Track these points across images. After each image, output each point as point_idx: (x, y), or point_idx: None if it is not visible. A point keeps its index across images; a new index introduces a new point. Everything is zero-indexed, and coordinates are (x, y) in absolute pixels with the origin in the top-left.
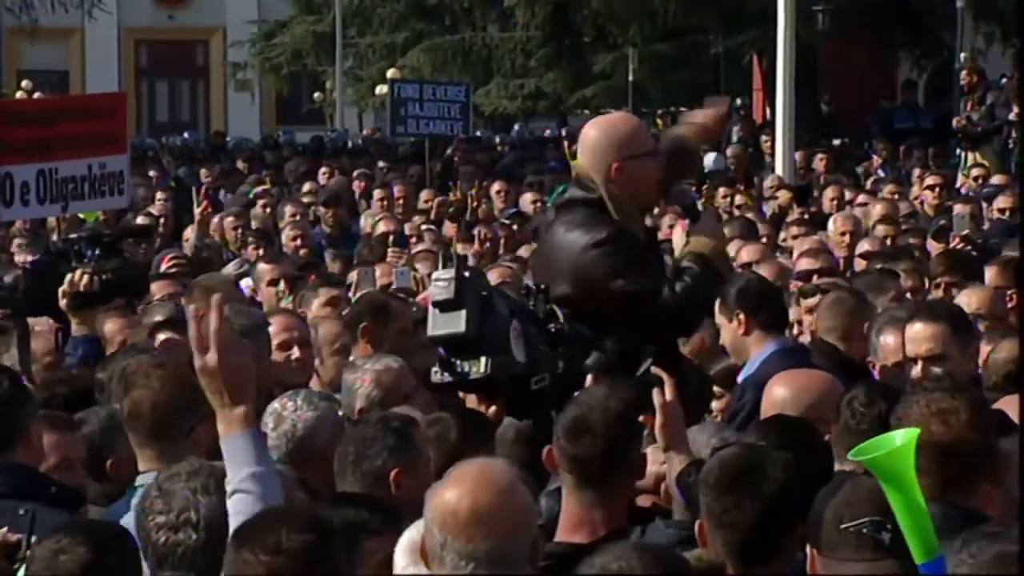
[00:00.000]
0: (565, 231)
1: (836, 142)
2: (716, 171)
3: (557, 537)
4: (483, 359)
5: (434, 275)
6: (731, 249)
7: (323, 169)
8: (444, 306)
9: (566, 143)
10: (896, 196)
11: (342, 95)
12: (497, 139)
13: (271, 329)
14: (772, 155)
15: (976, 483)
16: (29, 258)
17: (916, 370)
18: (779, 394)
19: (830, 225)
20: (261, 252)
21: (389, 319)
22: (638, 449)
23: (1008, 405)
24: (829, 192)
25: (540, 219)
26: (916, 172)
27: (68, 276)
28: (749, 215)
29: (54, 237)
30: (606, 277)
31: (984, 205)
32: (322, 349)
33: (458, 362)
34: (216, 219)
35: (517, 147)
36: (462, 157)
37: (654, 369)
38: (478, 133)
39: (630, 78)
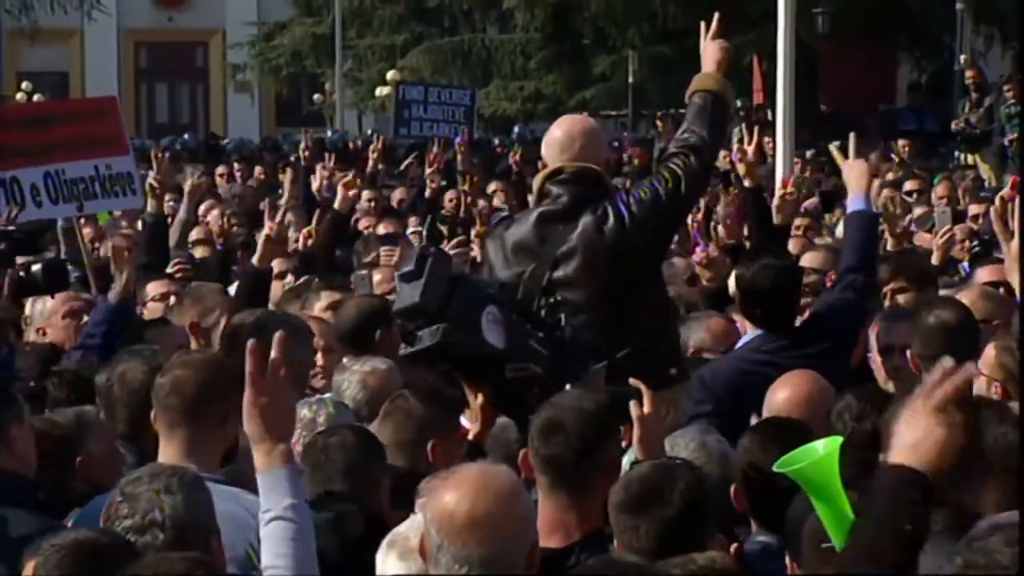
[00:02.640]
0: (612, 217)
1: (836, 144)
2: None
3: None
4: (435, 328)
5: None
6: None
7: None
8: (405, 277)
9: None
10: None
11: (342, 97)
12: (496, 141)
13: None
14: (773, 156)
15: None
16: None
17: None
18: (781, 397)
19: (837, 230)
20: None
21: (392, 325)
22: (613, 451)
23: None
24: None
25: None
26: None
27: None
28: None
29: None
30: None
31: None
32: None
33: (418, 333)
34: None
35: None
36: (462, 159)
37: (632, 381)
38: (477, 134)
39: (630, 80)
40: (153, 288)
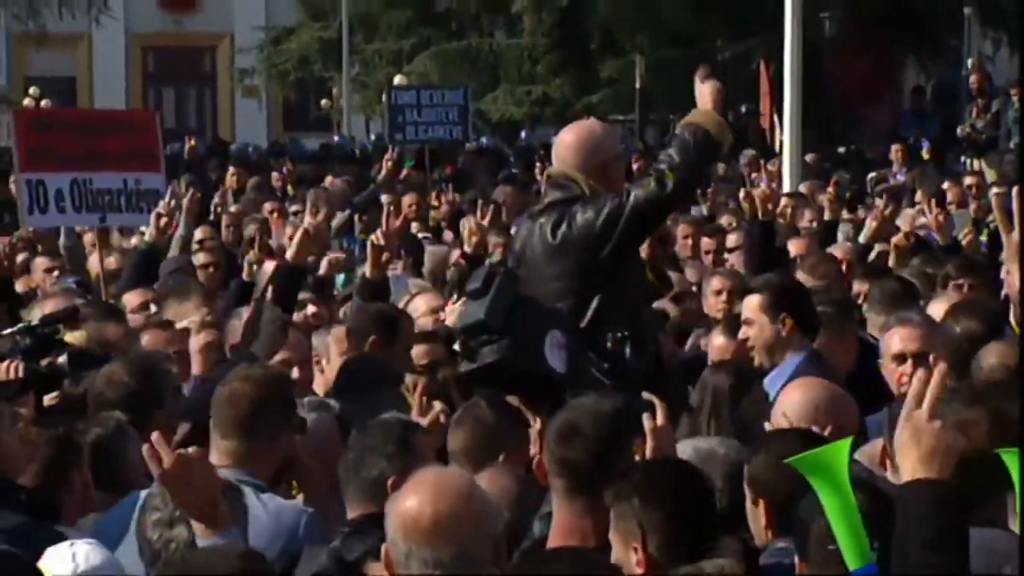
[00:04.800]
0: (571, 221)
1: (841, 149)
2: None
3: (548, 547)
4: (498, 345)
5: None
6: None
7: (328, 177)
8: (473, 295)
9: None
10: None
11: (349, 101)
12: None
13: None
14: (780, 155)
15: (995, 493)
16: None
17: None
18: (790, 402)
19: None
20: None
21: (398, 336)
22: (629, 455)
23: None
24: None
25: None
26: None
27: None
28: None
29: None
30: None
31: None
32: (331, 348)
33: (479, 350)
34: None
35: (524, 154)
36: (471, 164)
37: (645, 395)
38: (483, 140)
39: (637, 84)
40: (131, 299)
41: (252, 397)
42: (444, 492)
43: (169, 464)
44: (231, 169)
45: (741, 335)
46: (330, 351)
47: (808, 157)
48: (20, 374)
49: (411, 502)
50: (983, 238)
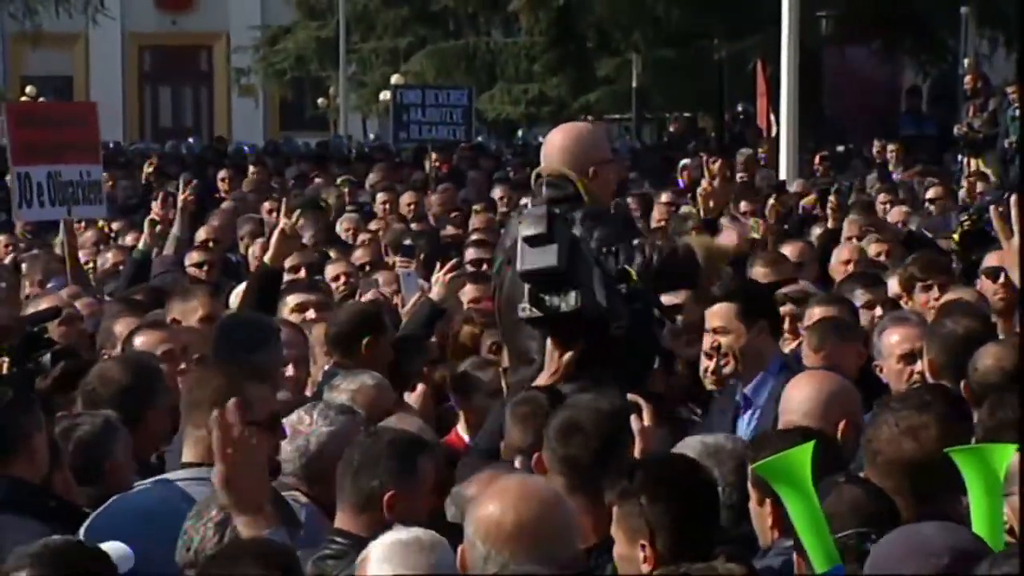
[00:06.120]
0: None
1: (839, 148)
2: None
3: None
4: (573, 293)
5: (525, 211)
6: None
7: (318, 177)
8: (534, 240)
9: None
10: (888, 205)
11: (346, 101)
12: (496, 144)
13: None
14: (777, 157)
15: (950, 496)
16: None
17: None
18: (799, 397)
19: (834, 255)
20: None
21: (386, 330)
22: (629, 452)
23: None
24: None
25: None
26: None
27: None
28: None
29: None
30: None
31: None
32: (315, 348)
33: (547, 297)
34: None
35: (520, 153)
36: (467, 163)
37: (631, 396)
38: (480, 139)
39: (634, 84)
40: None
41: (217, 387)
42: (529, 499)
43: (238, 441)
44: (251, 169)
45: (710, 344)
46: (314, 351)
47: (816, 163)
48: (5, 371)
49: (495, 506)
50: (955, 236)
